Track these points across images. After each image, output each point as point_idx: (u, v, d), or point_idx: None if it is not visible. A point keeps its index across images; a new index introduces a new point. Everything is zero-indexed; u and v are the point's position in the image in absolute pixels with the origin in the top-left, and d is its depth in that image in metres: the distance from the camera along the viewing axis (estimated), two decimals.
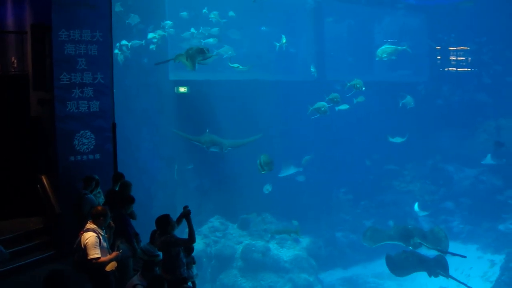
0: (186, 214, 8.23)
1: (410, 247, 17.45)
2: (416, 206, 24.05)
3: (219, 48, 20.89)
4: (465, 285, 17.44)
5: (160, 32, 21.25)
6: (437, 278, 19.57)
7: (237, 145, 20.92)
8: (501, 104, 28.00)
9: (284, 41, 21.12)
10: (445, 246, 17.91)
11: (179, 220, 8.30)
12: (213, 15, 21.88)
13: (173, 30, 22.10)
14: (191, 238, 8.14)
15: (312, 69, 24.49)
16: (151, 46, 21.06)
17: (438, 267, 17.17)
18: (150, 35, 21.16)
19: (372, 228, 18.79)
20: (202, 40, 21.52)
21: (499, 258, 21.98)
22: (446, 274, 17.10)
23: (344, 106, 21.62)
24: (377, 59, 20.68)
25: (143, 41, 21.01)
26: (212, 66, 23.07)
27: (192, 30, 22.11)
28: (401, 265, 17.62)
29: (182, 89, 23.17)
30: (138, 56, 21.50)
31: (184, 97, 23.31)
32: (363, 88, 21.12)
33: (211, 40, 21.48)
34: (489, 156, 25.25)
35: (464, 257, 17.68)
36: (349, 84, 21.42)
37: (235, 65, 19.40)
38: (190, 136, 20.90)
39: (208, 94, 22.85)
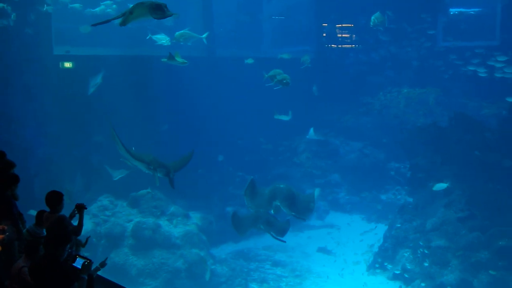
0: (80, 207, 8.08)
1: (272, 211, 17.77)
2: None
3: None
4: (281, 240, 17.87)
5: None
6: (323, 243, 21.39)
7: (180, 167, 17.45)
8: (383, 80, 29.25)
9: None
10: (308, 214, 18.51)
11: (72, 215, 8.15)
12: None
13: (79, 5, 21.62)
14: (79, 231, 8.02)
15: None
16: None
17: (262, 224, 17.61)
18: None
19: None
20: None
21: (382, 227, 23.13)
22: (267, 229, 17.60)
23: None
24: (174, 40, 20.72)
25: None
26: (100, 39, 22.73)
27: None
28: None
29: (67, 64, 22.48)
30: (20, 27, 20.56)
31: (70, 73, 22.63)
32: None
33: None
34: (311, 130, 26.56)
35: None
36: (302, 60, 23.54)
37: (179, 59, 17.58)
38: (128, 151, 16.52)
39: (94, 70, 22.23)
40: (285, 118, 23.85)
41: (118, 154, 17.15)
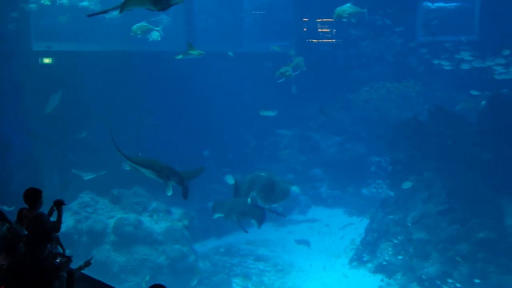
0: (59, 204, 8.03)
1: (249, 199, 17.72)
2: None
3: None
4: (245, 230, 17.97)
5: None
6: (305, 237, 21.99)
7: (192, 177, 16.52)
8: (367, 74, 29.35)
9: None
10: (279, 201, 18.32)
11: (51, 212, 8.10)
12: None
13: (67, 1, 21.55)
14: (57, 227, 7.98)
15: None
16: None
17: (235, 215, 17.56)
18: None
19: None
20: None
21: (363, 221, 23.26)
22: (239, 220, 17.56)
23: None
24: (132, 34, 20.57)
25: None
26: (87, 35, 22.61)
27: None
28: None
29: (47, 60, 22.32)
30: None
31: (50, 69, 22.45)
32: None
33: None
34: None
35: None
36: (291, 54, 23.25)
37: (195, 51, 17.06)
38: (133, 160, 15.54)
39: (73, 65, 22.05)
40: (271, 113, 23.87)
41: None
